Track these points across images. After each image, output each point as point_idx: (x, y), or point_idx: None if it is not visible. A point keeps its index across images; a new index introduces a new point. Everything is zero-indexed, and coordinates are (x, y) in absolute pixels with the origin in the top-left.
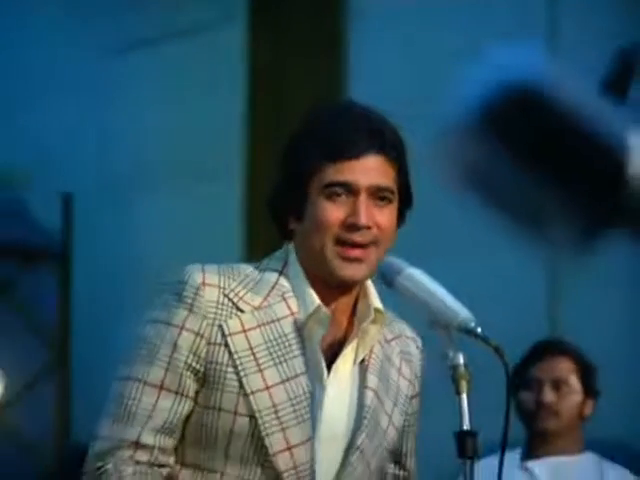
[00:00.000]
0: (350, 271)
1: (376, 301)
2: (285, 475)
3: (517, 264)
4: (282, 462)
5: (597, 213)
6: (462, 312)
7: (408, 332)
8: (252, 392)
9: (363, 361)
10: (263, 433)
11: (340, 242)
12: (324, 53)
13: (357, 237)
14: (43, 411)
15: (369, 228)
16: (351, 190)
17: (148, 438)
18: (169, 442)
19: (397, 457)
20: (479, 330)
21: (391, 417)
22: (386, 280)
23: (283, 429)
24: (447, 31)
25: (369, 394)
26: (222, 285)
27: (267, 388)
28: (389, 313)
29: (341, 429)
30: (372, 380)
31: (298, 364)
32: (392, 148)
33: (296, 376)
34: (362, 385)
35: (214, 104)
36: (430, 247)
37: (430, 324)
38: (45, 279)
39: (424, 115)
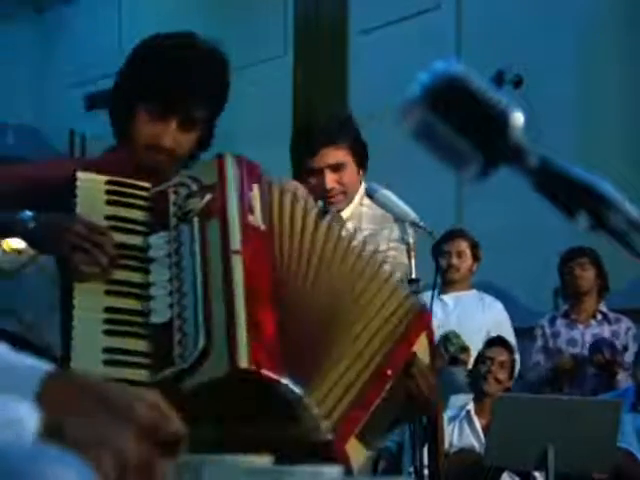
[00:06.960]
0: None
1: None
2: None
3: (442, 184)
4: None
5: (492, 152)
6: (412, 213)
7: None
8: None
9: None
10: None
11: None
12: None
13: (327, 193)
14: None
15: (333, 188)
16: (318, 171)
17: None
18: None
19: None
20: (421, 223)
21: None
22: (369, 196)
23: None
24: (409, 54)
25: None
26: None
27: None
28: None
29: None
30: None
31: None
32: (345, 137)
33: None
34: None
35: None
36: (394, 174)
37: (394, 219)
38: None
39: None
